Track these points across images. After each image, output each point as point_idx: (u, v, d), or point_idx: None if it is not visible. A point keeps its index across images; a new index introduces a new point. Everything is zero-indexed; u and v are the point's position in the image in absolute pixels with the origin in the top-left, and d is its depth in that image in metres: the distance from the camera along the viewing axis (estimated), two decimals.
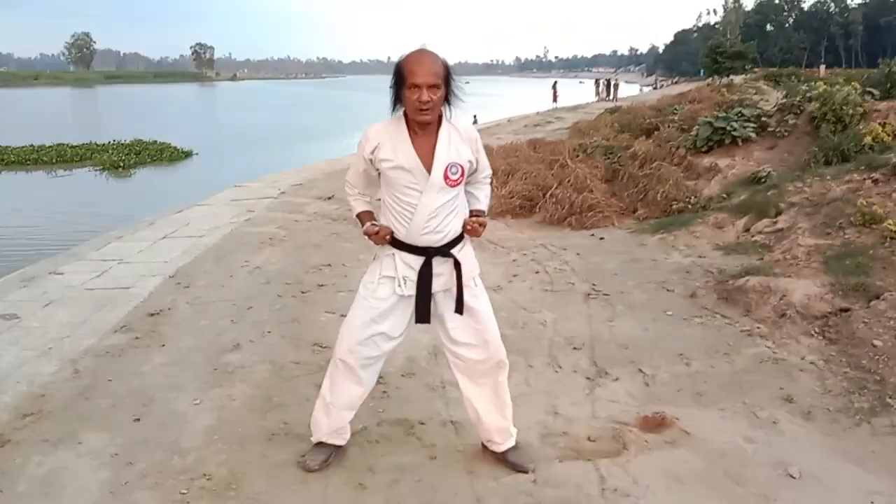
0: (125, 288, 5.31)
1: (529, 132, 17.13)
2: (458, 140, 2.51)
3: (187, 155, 19.81)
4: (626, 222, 7.24)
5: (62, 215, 11.85)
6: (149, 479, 2.75)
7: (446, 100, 2.45)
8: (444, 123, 2.50)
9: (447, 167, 2.45)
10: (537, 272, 5.59)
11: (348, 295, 5.01)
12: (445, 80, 2.41)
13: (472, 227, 2.56)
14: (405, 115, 2.48)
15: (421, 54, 2.39)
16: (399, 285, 2.56)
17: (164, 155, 19.40)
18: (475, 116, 28.09)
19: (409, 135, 2.46)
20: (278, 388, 3.55)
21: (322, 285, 5.33)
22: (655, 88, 54.63)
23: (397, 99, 2.45)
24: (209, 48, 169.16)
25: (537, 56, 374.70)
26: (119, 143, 20.34)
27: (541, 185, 7.77)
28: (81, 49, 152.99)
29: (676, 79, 75.96)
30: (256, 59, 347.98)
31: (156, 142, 20.71)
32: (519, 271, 5.62)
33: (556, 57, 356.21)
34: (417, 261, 2.54)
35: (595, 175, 8.04)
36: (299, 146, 22.19)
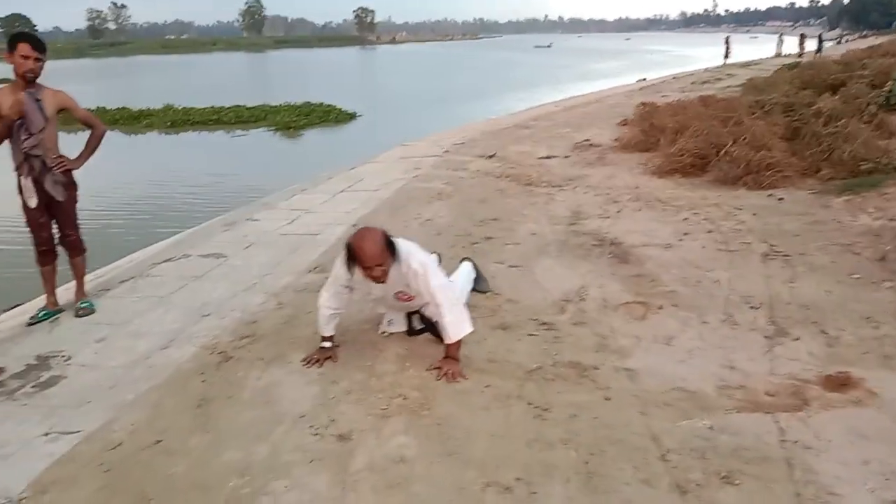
0: (313, 234, 5.83)
1: (697, 89, 16.34)
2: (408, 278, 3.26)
3: (352, 116, 20.77)
4: (808, 183, 6.81)
5: (245, 170, 12.97)
6: (352, 395, 3.11)
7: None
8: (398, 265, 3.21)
9: (397, 293, 3.37)
10: (710, 231, 5.46)
11: (515, 248, 5.24)
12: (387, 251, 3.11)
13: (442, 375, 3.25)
14: None
15: (362, 242, 3.09)
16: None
17: (330, 116, 20.47)
18: (644, 79, 26.99)
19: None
20: None
21: (490, 238, 5.54)
22: (839, 43, 49.64)
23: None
24: (370, 12, 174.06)
25: (705, 10, 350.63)
26: (290, 105, 21.66)
27: (714, 142, 7.46)
28: (253, 16, 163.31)
29: (864, 32, 68.61)
30: (414, 22, 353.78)
31: (322, 104, 21.84)
32: (690, 230, 5.51)
33: (726, 10, 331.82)
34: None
35: (774, 133, 7.59)
36: (457, 107, 22.55)
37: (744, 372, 3.25)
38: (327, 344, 3.48)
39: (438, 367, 3.28)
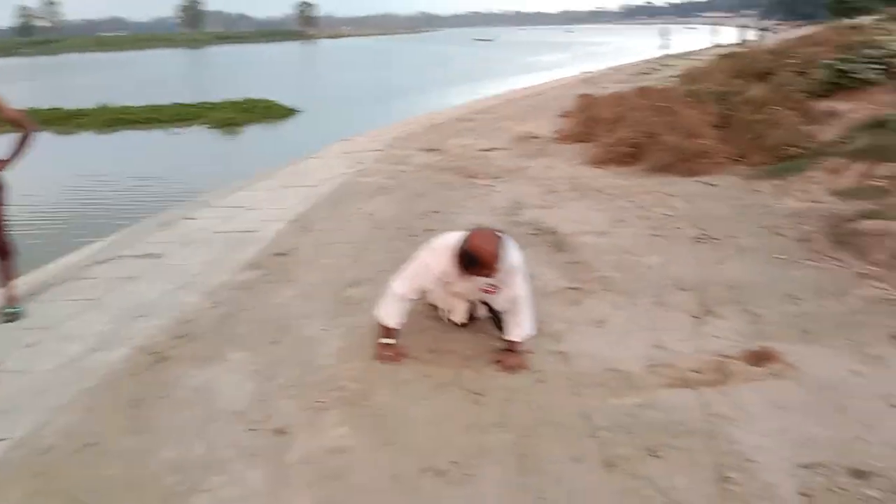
0: (252, 231, 5.77)
1: (637, 80, 16.65)
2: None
3: (293, 112, 20.53)
4: (738, 169, 7.04)
5: (183, 168, 12.68)
6: (290, 390, 3.11)
7: None
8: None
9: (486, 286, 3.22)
10: (643, 218, 5.61)
11: None
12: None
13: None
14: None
15: (486, 246, 2.95)
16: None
17: (271, 112, 20.17)
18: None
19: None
20: None
21: (430, 230, 5.54)
22: (764, 32, 50.97)
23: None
24: (311, 6, 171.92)
25: (646, 1, 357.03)
26: (230, 102, 21.24)
27: (648, 132, 7.65)
28: (191, 11, 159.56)
29: (799, 22, 70.77)
30: (358, 16, 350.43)
31: (263, 100, 21.53)
32: (625, 217, 5.66)
33: (667, 2, 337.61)
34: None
35: (706, 121, 7.82)
36: (399, 101, 22.47)
37: (672, 351, 3.38)
38: (392, 340, 3.37)
39: (499, 361, 3.28)
